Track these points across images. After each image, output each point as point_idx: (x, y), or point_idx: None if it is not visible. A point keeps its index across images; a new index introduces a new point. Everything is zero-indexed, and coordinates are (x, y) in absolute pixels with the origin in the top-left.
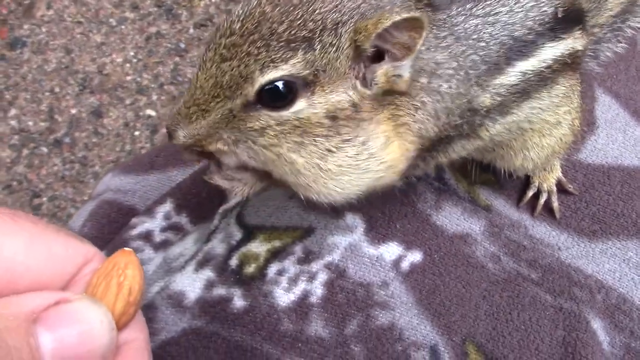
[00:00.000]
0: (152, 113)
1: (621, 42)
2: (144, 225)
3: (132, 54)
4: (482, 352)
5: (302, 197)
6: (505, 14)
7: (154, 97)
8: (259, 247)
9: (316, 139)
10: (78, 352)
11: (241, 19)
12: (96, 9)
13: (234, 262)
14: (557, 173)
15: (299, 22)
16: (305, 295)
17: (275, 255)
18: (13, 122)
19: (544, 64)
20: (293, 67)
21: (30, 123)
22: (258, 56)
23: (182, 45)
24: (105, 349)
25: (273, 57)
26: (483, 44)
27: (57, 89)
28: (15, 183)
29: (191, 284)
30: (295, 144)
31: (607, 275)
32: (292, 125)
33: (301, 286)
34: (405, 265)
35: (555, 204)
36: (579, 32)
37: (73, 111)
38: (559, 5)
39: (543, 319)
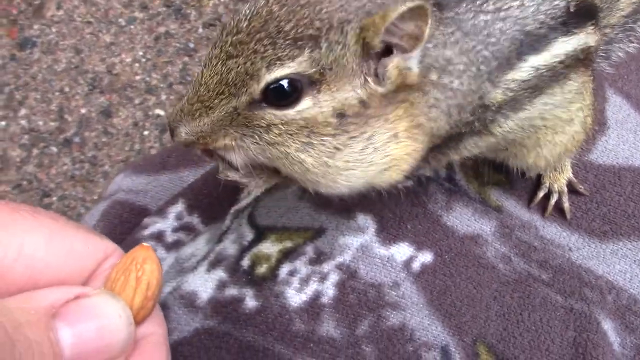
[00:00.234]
0: (161, 113)
1: (633, 42)
2: (155, 225)
3: (141, 53)
4: (493, 352)
5: (310, 190)
6: (517, 9)
7: (163, 97)
8: (270, 247)
9: (324, 138)
10: (97, 346)
11: (248, 17)
12: (106, 9)
13: (245, 262)
14: (568, 174)
15: (305, 20)
16: (316, 296)
17: (287, 255)
18: (23, 122)
19: (556, 59)
20: (299, 65)
21: (40, 123)
22: (264, 53)
23: (191, 45)
24: (123, 343)
25: (280, 54)
26: (494, 39)
27: (66, 89)
28: (25, 182)
29: (203, 284)
30: (303, 144)
31: (617, 276)
32: (299, 126)
33: (313, 287)
34: (416, 265)
35: (566, 205)
36: (592, 27)
37: (83, 111)
38: (571, 0)
39: (554, 320)
